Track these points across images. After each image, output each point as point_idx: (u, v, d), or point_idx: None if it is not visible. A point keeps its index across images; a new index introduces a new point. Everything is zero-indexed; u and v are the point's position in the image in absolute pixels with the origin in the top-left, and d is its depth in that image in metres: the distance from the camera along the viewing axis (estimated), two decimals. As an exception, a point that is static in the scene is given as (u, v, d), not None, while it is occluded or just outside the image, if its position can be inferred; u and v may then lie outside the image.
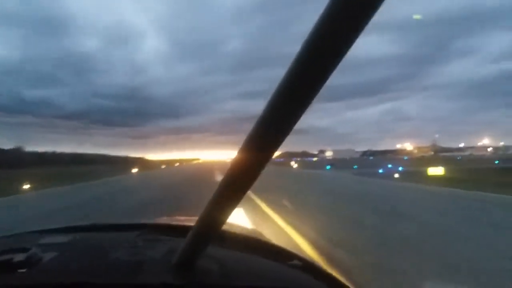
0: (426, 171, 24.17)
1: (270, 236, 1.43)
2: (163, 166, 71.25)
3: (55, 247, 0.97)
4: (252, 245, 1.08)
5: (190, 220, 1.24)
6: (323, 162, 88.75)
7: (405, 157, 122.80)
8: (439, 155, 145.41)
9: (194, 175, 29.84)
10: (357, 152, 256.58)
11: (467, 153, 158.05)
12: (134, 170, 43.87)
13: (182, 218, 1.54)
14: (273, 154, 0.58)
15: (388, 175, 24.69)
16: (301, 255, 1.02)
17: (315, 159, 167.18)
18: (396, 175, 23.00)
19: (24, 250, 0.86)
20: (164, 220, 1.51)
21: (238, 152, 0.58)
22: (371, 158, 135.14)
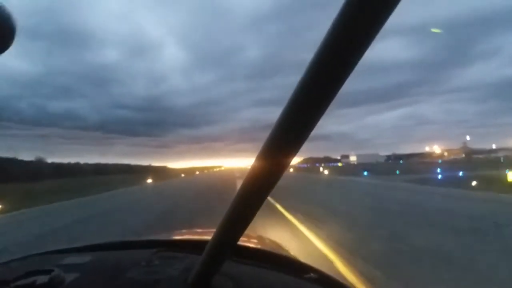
0: (498, 176, 19.41)
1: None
2: (182, 175, 67.80)
3: (76, 267, 1.02)
4: (269, 259, 1.10)
5: (207, 233, 1.31)
6: (349, 167, 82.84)
7: (439, 160, 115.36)
8: (473, 157, 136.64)
9: (214, 183, 26.54)
10: (381, 156, 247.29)
11: (500, 154, 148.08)
12: (149, 181, 40.44)
13: (200, 230, 1.65)
14: (291, 160, 0.56)
15: (455, 181, 20.07)
16: (318, 268, 1.02)
17: (340, 164, 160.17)
18: (474, 183, 17.84)
19: (47, 272, 0.89)
20: (181, 233, 1.59)
21: (256, 160, 0.56)
22: (401, 162, 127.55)
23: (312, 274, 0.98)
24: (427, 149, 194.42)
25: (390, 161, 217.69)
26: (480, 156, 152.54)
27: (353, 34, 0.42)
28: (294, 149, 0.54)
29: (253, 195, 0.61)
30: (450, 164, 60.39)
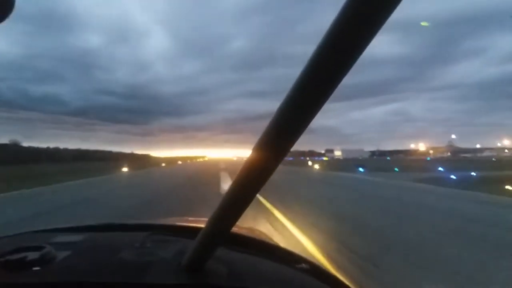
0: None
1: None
2: (163, 164, 63.55)
3: (68, 246, 1.00)
4: (261, 248, 1.11)
5: (200, 221, 1.32)
6: (340, 162, 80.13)
7: (428, 158, 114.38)
8: (459, 156, 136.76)
9: (199, 175, 22.63)
10: (366, 152, 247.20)
11: (486, 154, 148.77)
12: (124, 169, 36.40)
13: (192, 219, 1.62)
14: (285, 154, 0.58)
15: (478, 184, 17.09)
16: (309, 258, 1.03)
17: (325, 158, 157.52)
18: (508, 187, 14.53)
19: (38, 248, 0.89)
20: (173, 220, 1.56)
21: (251, 152, 0.59)
22: (388, 158, 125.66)
23: (303, 265, 0.99)
24: (412, 146, 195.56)
25: (374, 156, 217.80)
26: (467, 155, 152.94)
27: (353, 34, 0.43)
28: (289, 143, 0.56)
29: (247, 186, 0.63)
30: (441, 163, 58.33)
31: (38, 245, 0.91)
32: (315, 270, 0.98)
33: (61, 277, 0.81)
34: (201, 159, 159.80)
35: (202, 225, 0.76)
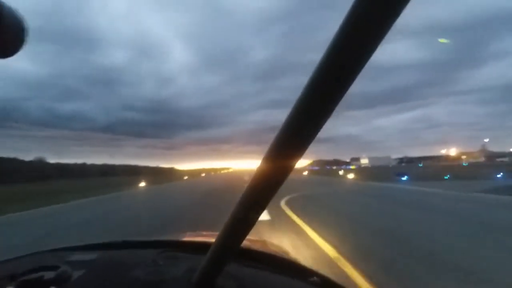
0: None
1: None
2: (185, 177, 61.44)
3: (83, 264, 1.04)
4: (272, 262, 1.10)
5: (212, 236, 1.31)
6: (378, 170, 75.69)
7: (465, 163, 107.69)
8: (496, 161, 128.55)
9: (218, 191, 19.87)
10: (393, 159, 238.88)
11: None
12: (142, 184, 34.37)
13: (205, 233, 1.63)
14: (296, 162, 0.56)
15: None
16: (320, 272, 1.03)
17: (353, 167, 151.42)
18: None
19: (53, 268, 0.91)
20: (186, 235, 1.57)
21: (261, 162, 0.57)
22: (420, 165, 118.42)
23: (315, 278, 0.99)
24: (442, 151, 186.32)
25: (403, 164, 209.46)
26: (504, 159, 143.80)
27: (360, 36, 0.42)
28: (299, 151, 0.54)
29: (257, 198, 0.62)
30: (482, 168, 53.36)
31: (54, 265, 0.93)
32: (327, 284, 0.98)
33: None
34: (225, 171, 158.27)
35: (213, 240, 0.75)
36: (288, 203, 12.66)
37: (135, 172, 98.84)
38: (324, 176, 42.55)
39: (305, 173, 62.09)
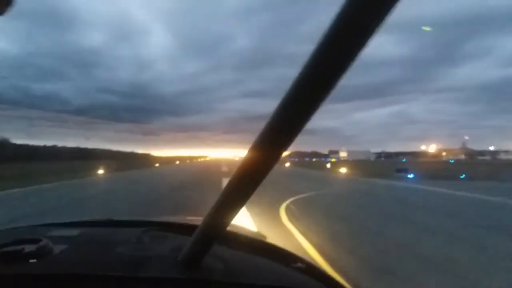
0: None
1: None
2: (156, 165, 55.24)
3: (65, 239, 1.02)
4: (257, 246, 1.11)
5: (197, 220, 1.29)
6: (361, 164, 72.42)
7: (451, 161, 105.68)
8: (478, 159, 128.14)
9: (190, 184, 14.67)
10: (372, 153, 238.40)
11: (504, 157, 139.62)
12: (100, 171, 28.45)
13: (189, 217, 1.61)
14: (282, 153, 0.59)
15: None
16: (304, 257, 1.03)
17: (333, 159, 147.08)
18: None
19: (35, 241, 0.90)
20: (171, 218, 1.55)
21: (248, 151, 0.59)
22: (404, 160, 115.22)
23: (299, 264, 0.99)
24: (423, 148, 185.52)
25: (382, 158, 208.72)
26: (485, 157, 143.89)
27: (353, 30, 0.43)
28: (287, 143, 0.56)
29: (245, 184, 0.64)
30: (470, 166, 50.07)
31: (35, 238, 0.91)
32: (311, 269, 0.98)
33: (57, 269, 0.82)
34: (202, 159, 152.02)
35: (199, 223, 0.76)
36: (299, 221, 7.41)
37: (107, 156, 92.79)
38: (312, 170, 37.70)
39: (287, 164, 57.28)
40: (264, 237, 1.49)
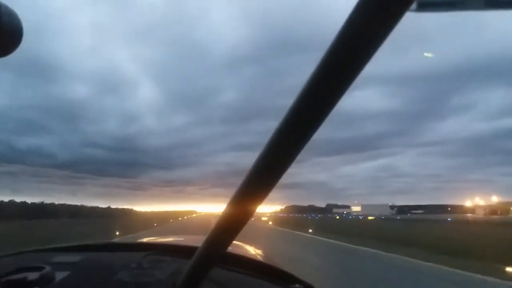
0: None
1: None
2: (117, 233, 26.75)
3: (67, 266, 1.03)
4: (256, 268, 1.11)
5: (197, 240, 1.30)
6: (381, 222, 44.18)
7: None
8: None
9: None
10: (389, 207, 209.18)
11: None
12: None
13: (189, 237, 1.68)
14: (259, 205, 0.60)
15: None
16: (303, 279, 1.03)
17: (337, 217, 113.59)
18: None
19: (38, 268, 0.90)
20: (171, 239, 1.57)
21: (228, 203, 0.62)
22: (449, 219, 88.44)
23: (297, 285, 1.00)
24: (446, 202, 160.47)
25: (392, 211, 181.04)
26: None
27: (330, 79, 0.41)
28: (261, 196, 0.57)
29: (241, 211, 0.63)
30: None
31: (38, 266, 0.92)
32: None
33: None
34: (191, 215, 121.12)
35: (198, 244, 0.75)
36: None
37: (75, 214, 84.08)
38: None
39: (271, 223, 48.19)
40: (265, 255, 1.48)
